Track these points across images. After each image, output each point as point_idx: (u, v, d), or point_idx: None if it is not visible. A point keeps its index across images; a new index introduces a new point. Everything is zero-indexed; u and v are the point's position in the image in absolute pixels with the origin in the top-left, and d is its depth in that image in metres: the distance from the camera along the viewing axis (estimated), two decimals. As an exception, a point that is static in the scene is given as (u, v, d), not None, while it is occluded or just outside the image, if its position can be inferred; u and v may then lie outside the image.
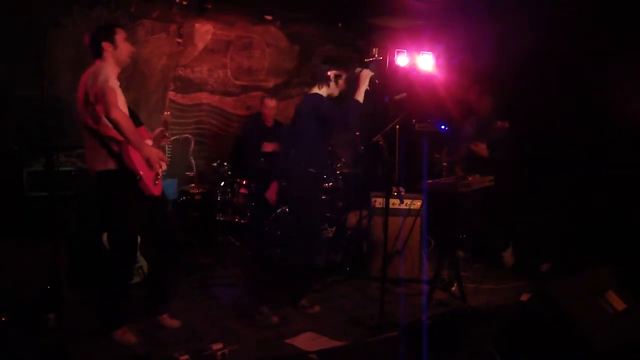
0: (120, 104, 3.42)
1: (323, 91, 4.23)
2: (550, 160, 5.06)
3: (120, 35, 3.61)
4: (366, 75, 4.17)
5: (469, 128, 5.33)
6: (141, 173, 3.46)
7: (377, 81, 4.18)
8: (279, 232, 5.25)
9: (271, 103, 6.18)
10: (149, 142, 3.69)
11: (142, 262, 4.46)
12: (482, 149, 5.10)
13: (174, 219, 4.00)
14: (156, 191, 3.61)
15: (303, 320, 4.07)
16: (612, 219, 4.74)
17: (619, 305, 3.10)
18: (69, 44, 5.59)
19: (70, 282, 4.28)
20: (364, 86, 4.16)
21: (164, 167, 3.70)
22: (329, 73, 4.22)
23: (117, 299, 3.64)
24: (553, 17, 5.32)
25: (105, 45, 3.55)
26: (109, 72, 3.41)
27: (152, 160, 3.49)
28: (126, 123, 3.32)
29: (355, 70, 4.23)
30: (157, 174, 3.63)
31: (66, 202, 4.92)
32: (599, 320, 2.98)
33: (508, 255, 5.43)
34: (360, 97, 4.18)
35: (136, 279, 4.43)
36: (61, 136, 5.13)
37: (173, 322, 3.88)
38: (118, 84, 3.49)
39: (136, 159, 3.45)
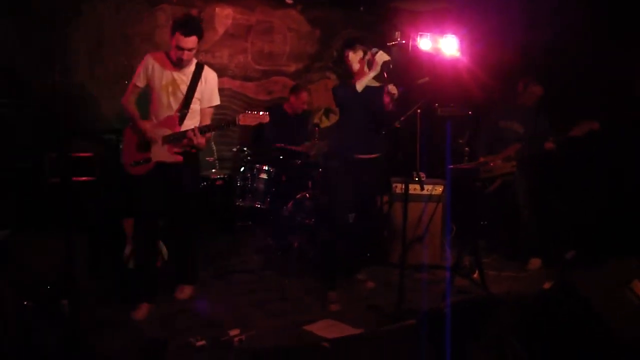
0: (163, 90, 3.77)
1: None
2: (577, 149, 4.91)
3: (177, 38, 3.60)
4: (380, 60, 3.98)
5: (518, 127, 5.10)
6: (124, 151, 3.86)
7: (391, 66, 3.98)
8: (299, 218, 5.22)
9: (305, 96, 6.12)
10: (166, 130, 3.78)
11: (162, 247, 4.48)
12: (551, 147, 4.82)
13: (188, 202, 4.05)
14: (133, 171, 3.81)
15: (322, 307, 4.05)
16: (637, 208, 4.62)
17: (645, 294, 3.01)
18: (89, 31, 5.62)
19: (91, 268, 4.31)
20: (372, 72, 4.02)
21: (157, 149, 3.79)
22: (346, 54, 4.16)
23: (135, 277, 3.94)
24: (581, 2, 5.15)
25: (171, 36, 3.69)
26: (146, 62, 3.75)
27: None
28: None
29: (372, 50, 4.06)
30: (142, 156, 3.80)
31: (87, 188, 4.97)
32: (623, 310, 2.90)
33: (537, 263, 5.09)
34: (360, 84, 4.04)
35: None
36: (82, 122, 5.18)
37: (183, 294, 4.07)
38: (163, 74, 3.74)
39: (126, 139, 3.88)
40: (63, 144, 4.18)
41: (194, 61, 3.86)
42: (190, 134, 3.70)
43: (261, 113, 3.75)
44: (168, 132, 3.78)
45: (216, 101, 3.97)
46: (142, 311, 3.77)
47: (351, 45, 4.18)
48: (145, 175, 3.80)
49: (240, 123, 3.72)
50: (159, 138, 3.78)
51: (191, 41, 3.63)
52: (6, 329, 2.90)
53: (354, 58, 4.15)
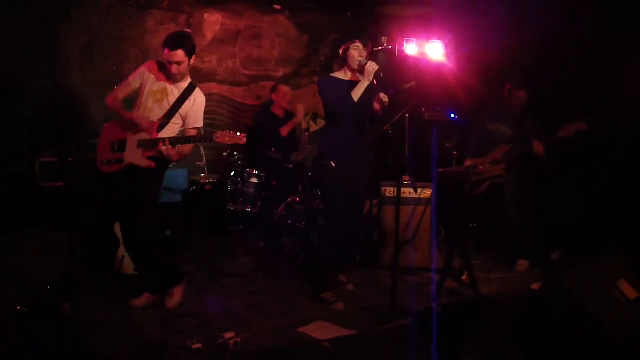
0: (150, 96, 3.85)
1: (340, 73, 4.19)
2: (563, 148, 5.00)
3: (165, 52, 3.73)
4: (371, 69, 3.93)
5: (506, 130, 5.19)
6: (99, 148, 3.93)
7: (381, 74, 3.96)
8: (290, 221, 5.26)
9: (285, 88, 6.07)
10: (144, 135, 3.83)
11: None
12: (539, 148, 4.91)
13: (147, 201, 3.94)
14: (104, 169, 3.88)
15: (315, 309, 4.09)
16: (625, 207, 4.71)
17: (631, 294, 3.09)
18: (80, 34, 5.61)
19: (84, 271, 4.32)
20: (365, 81, 3.97)
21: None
22: (340, 50, 4.17)
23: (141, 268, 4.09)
24: (567, 3, 5.24)
25: None
26: (146, 66, 3.89)
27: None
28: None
29: (362, 62, 4.03)
30: (115, 156, 3.86)
31: (79, 192, 4.96)
32: (610, 309, 2.97)
33: (524, 265, 5.18)
34: (356, 94, 3.99)
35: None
36: (73, 126, 5.16)
37: (173, 301, 4.00)
38: (153, 83, 3.85)
39: (103, 136, 3.94)
40: (61, 148, 4.18)
41: (189, 80, 3.95)
42: (161, 144, 3.73)
43: (239, 134, 3.76)
44: (146, 136, 3.83)
45: (200, 124, 4.02)
46: (142, 300, 3.92)
47: (362, 40, 4.17)
48: (114, 175, 3.85)
49: (217, 141, 3.78)
50: (136, 140, 3.82)
51: (177, 55, 3.71)
52: (5, 329, 2.91)
53: (357, 56, 4.11)
